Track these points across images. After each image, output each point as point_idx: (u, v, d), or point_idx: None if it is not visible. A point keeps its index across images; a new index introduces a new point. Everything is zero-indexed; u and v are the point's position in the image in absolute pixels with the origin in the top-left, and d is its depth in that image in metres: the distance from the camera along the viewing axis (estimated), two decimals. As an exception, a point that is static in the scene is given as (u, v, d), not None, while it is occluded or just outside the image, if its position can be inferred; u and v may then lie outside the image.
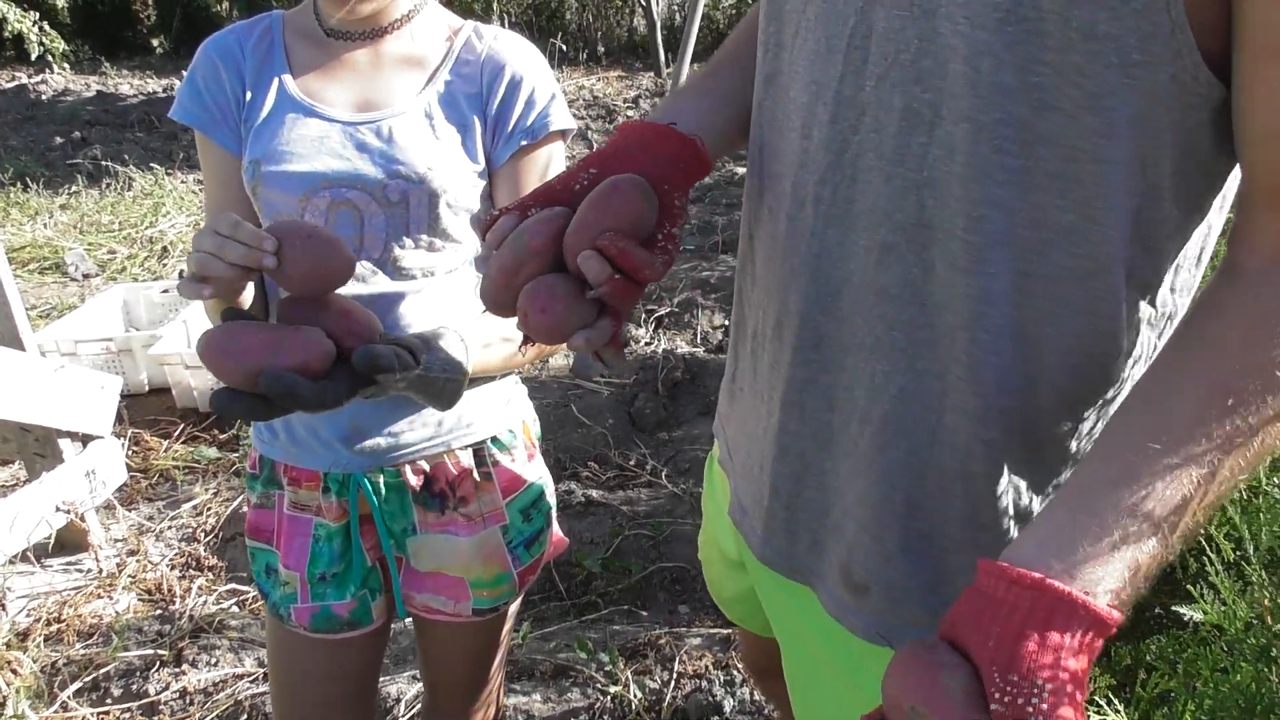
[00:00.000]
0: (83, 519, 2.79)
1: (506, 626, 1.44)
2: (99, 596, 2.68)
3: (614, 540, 2.70)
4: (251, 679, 2.36)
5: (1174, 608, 1.18)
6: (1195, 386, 0.62)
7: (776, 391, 0.87)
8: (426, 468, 1.29)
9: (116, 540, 2.92)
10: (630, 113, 7.24)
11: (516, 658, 2.31)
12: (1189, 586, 1.12)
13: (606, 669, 2.21)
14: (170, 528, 2.97)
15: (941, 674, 0.59)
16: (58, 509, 2.79)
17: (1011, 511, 0.75)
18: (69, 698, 2.31)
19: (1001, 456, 0.76)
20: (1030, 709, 0.56)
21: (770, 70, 0.84)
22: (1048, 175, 0.67)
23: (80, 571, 2.79)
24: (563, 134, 1.28)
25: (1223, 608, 1.05)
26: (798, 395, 0.84)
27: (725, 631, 2.38)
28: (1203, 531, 1.16)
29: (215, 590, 2.64)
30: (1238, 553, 1.16)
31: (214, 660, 2.40)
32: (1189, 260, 0.74)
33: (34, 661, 2.40)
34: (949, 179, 0.70)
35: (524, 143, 1.24)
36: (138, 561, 2.80)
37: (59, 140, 7.24)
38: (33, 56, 8.48)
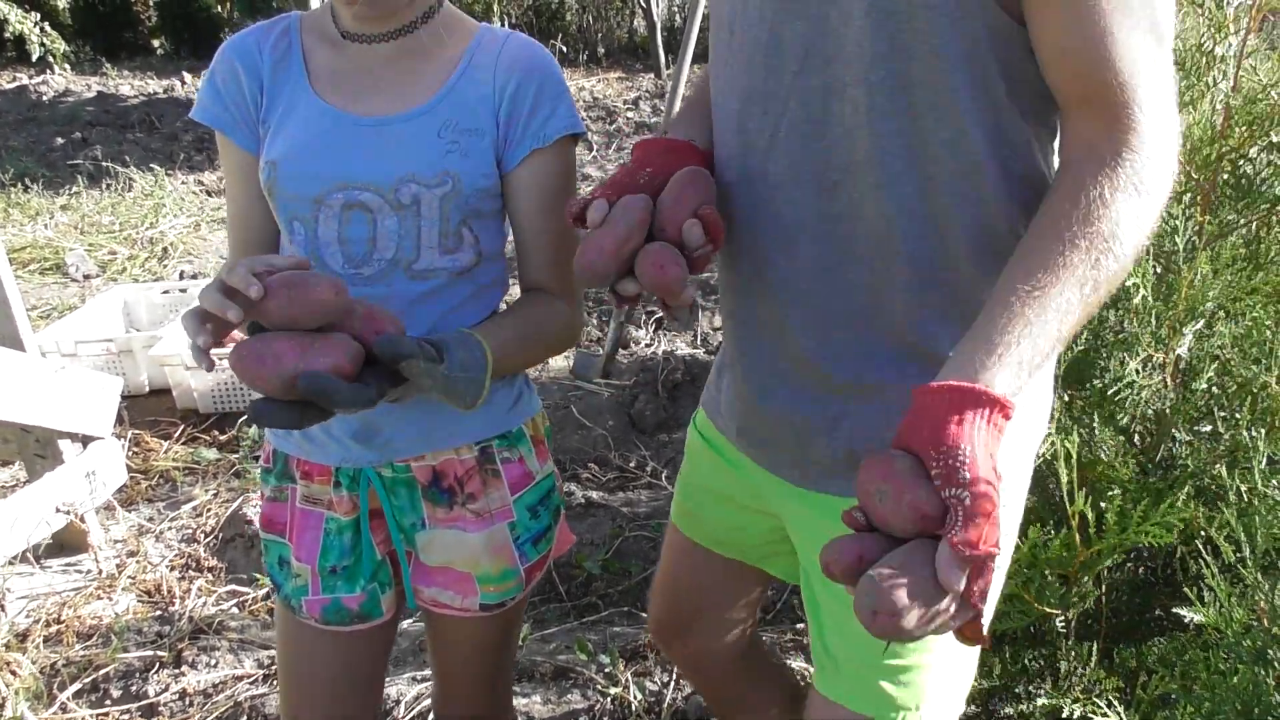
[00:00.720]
0: (83, 520, 2.79)
1: (515, 622, 1.45)
2: (99, 598, 2.68)
3: (614, 541, 2.71)
4: (251, 680, 2.36)
5: (1175, 610, 1.19)
6: (1048, 244, 0.87)
7: (776, 318, 1.11)
8: (435, 464, 1.30)
9: (116, 541, 2.92)
10: (630, 114, 7.25)
11: (517, 659, 2.31)
12: (1187, 589, 1.12)
13: (607, 670, 2.21)
14: (170, 529, 2.97)
15: (895, 462, 0.79)
16: (58, 510, 2.79)
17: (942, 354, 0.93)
18: (68, 699, 2.31)
19: (933, 314, 1.02)
20: (958, 464, 0.76)
21: (713, 95, 1.15)
22: (925, 105, 0.94)
23: (80, 572, 2.79)
24: (575, 138, 1.29)
25: (1220, 610, 1.06)
26: (800, 309, 1.09)
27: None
28: (1201, 533, 1.16)
29: (215, 591, 2.65)
30: (1236, 554, 1.16)
31: (213, 661, 2.40)
32: (1048, 156, 1.01)
33: (33, 663, 2.40)
34: (859, 126, 0.97)
35: (536, 147, 1.25)
36: (137, 562, 2.80)
37: (60, 141, 7.25)
38: (34, 57, 8.49)
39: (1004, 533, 0.85)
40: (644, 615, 2.47)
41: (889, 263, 1.01)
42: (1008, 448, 0.83)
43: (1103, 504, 1.15)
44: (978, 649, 1.11)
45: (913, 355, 1.04)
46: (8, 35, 8.00)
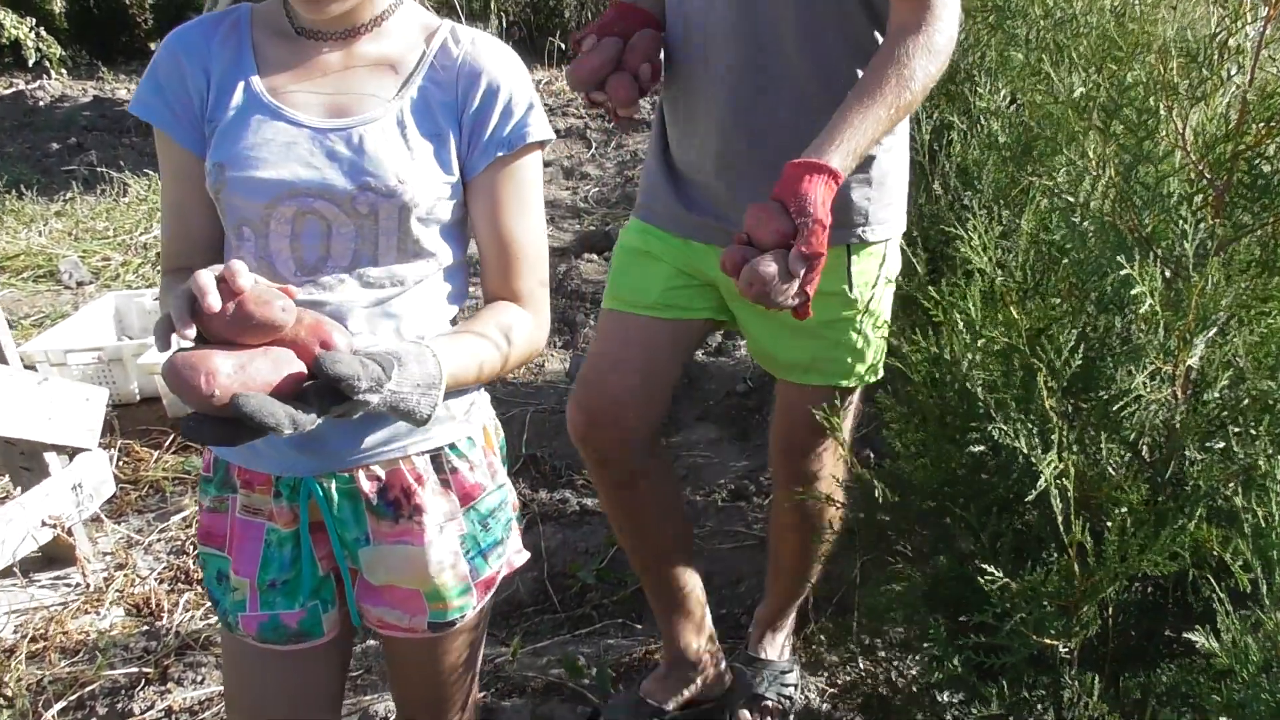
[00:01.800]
0: (70, 533, 2.74)
1: (470, 641, 1.38)
2: (86, 612, 2.63)
3: (609, 550, 2.65)
4: (238, 698, 2.31)
5: (1186, 635, 1.12)
6: (872, 82, 1.40)
7: (714, 128, 1.63)
8: (381, 474, 1.24)
9: (105, 553, 2.87)
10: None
11: (507, 674, 2.26)
12: (1200, 621, 1.06)
13: (597, 690, 2.15)
14: (159, 540, 2.92)
15: (768, 205, 1.31)
16: (43, 524, 2.74)
17: None
18: (53, 717, 2.26)
19: (816, 124, 1.43)
20: (805, 204, 1.29)
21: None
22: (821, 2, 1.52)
23: (68, 586, 2.74)
24: (541, 144, 1.24)
25: (1235, 643, 0.99)
26: (730, 121, 1.62)
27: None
28: (1213, 556, 1.10)
29: (203, 604, 2.59)
30: (1249, 575, 1.10)
31: (200, 678, 2.35)
32: (882, 31, 1.51)
33: (19, 680, 2.35)
34: (787, 5, 1.52)
35: (500, 154, 1.19)
36: (125, 575, 2.75)
37: (55, 146, 7.20)
38: (30, 62, 8.43)
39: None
40: (639, 627, 2.42)
41: (797, 97, 1.57)
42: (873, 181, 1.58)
43: (1108, 524, 1.09)
44: (881, 340, 1.71)
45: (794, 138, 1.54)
46: (4, 40, 7.95)
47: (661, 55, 1.66)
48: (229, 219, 1.21)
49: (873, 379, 1.75)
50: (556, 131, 7.11)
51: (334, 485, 1.23)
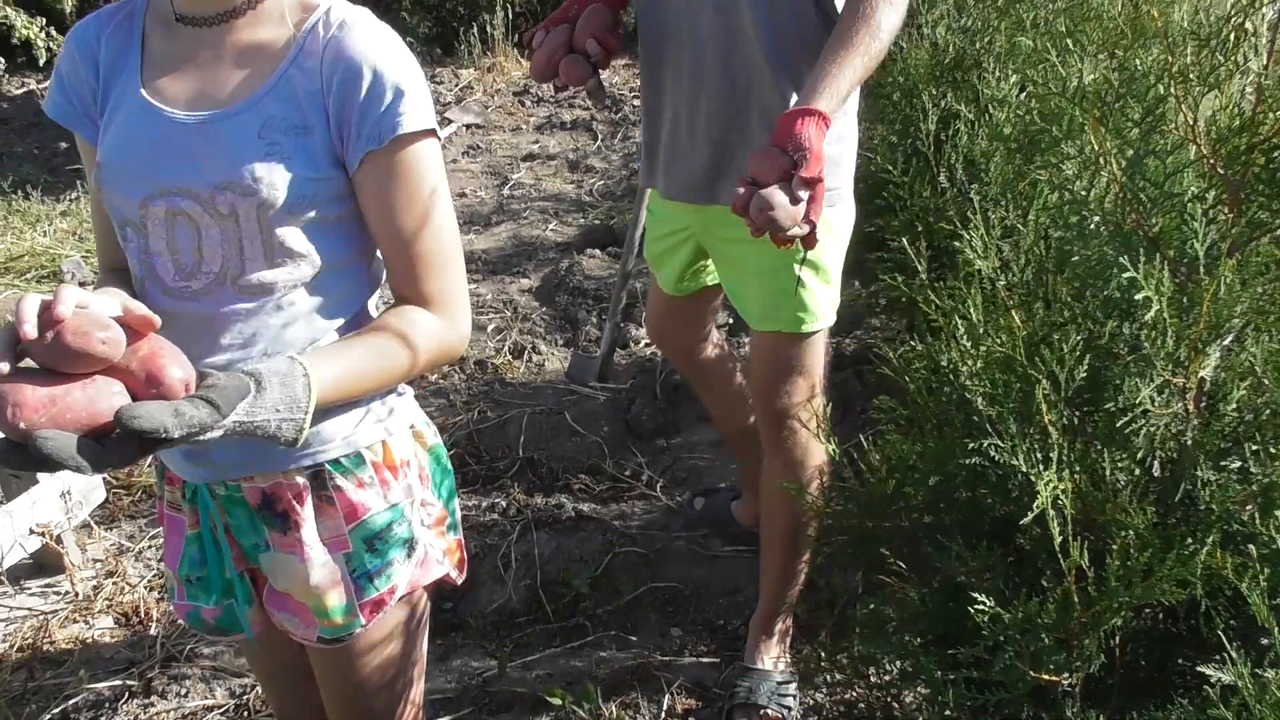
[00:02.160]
0: (59, 541, 2.70)
1: (385, 659, 1.31)
2: (75, 620, 2.58)
3: (604, 558, 2.57)
4: (222, 710, 2.25)
5: (1200, 668, 1.04)
6: (845, 34, 1.54)
7: (700, 104, 1.78)
8: (264, 486, 1.20)
9: (95, 560, 2.82)
10: (636, 101, 7.08)
11: (495, 689, 2.18)
12: (1213, 649, 0.97)
13: (587, 708, 2.08)
14: (150, 547, 2.86)
15: (768, 149, 1.46)
16: (31, 531, 2.69)
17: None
18: (35, 731, 2.22)
19: (781, 87, 1.71)
20: (800, 141, 1.43)
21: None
22: None
23: (58, 594, 2.69)
24: (426, 134, 1.12)
25: (1253, 678, 0.90)
26: (702, 102, 1.79)
27: (717, 659, 2.24)
28: (1228, 585, 1.01)
29: (191, 615, 2.53)
30: (1270, 603, 1.01)
31: (184, 691, 2.29)
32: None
33: (4, 692, 2.30)
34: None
35: (371, 149, 1.10)
36: (114, 584, 2.69)
37: (64, 145, 7.18)
38: (40, 62, 8.43)
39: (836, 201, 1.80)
40: (634, 639, 2.34)
41: (759, 58, 1.70)
42: (829, 142, 1.52)
43: (1110, 548, 0.99)
44: (835, 288, 1.89)
45: (764, 113, 1.73)
46: (15, 41, 7.93)
47: (619, 27, 1.77)
48: (114, 219, 1.16)
49: (824, 326, 1.91)
50: (562, 125, 7.03)
51: (225, 493, 1.22)
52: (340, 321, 1.18)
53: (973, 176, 2.20)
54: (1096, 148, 1.11)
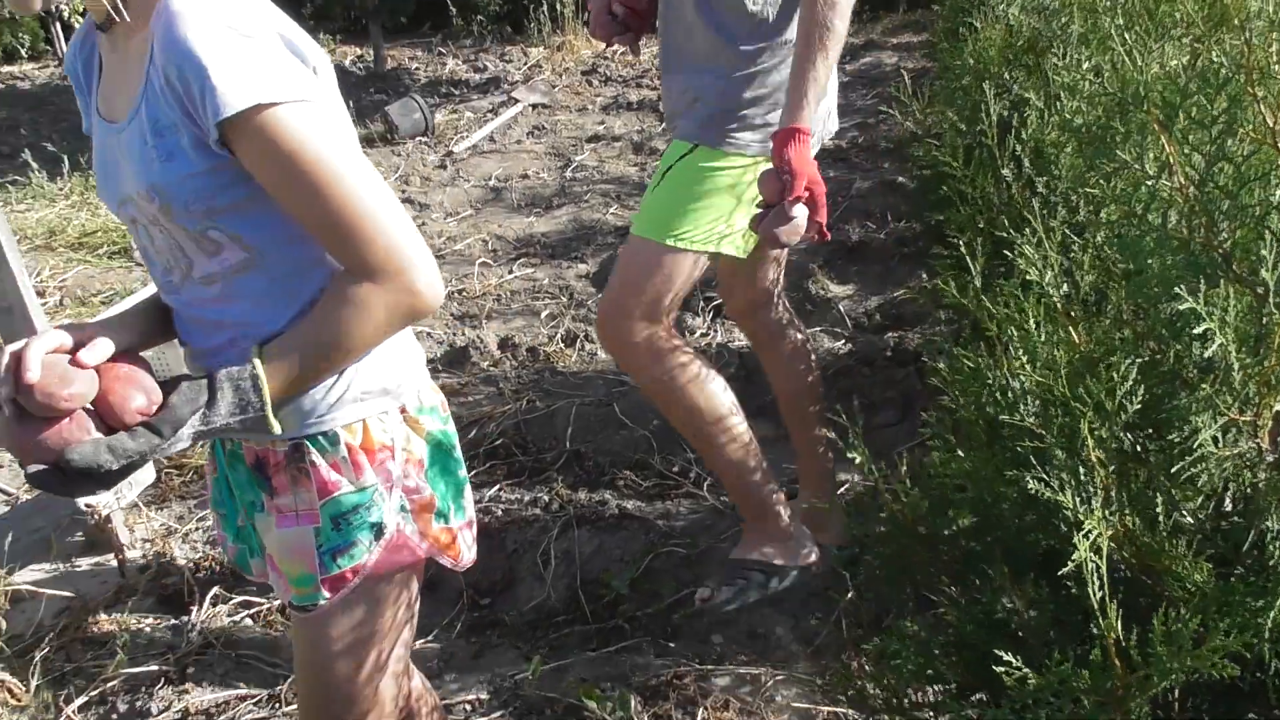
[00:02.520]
0: (108, 520, 2.73)
1: (344, 643, 1.30)
2: (120, 600, 2.61)
3: (645, 559, 2.49)
4: (255, 701, 2.24)
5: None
6: (805, 37, 1.80)
7: (676, 73, 2.07)
8: (256, 448, 1.26)
9: (144, 540, 2.85)
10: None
11: (526, 693, 2.13)
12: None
13: (620, 716, 2.01)
14: (197, 529, 2.88)
15: (769, 172, 1.79)
16: (80, 511, 2.73)
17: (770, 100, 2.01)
18: (74, 712, 2.24)
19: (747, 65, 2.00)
20: (786, 166, 1.73)
21: None
22: None
23: (106, 574, 2.73)
24: (266, 107, 1.02)
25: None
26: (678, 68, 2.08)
27: (757, 670, 2.15)
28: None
29: (231, 599, 2.54)
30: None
31: (217, 678, 2.29)
32: None
33: (44, 674, 2.33)
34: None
35: (215, 136, 1.04)
36: (160, 566, 2.72)
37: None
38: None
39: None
40: (673, 645, 2.26)
41: (735, 41, 1.95)
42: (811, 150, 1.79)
43: (1158, 609, 0.88)
44: (704, 222, 2.02)
45: (705, 58, 1.99)
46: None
47: None
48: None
49: (679, 247, 2.01)
50: (628, 105, 6.93)
51: (231, 447, 1.30)
52: (308, 293, 1.17)
53: (1040, 170, 2.06)
54: (1154, 155, 0.98)
